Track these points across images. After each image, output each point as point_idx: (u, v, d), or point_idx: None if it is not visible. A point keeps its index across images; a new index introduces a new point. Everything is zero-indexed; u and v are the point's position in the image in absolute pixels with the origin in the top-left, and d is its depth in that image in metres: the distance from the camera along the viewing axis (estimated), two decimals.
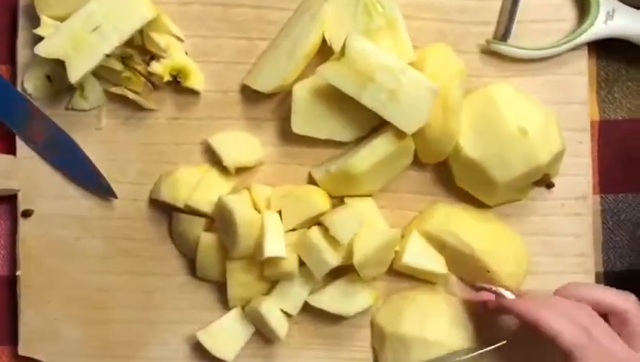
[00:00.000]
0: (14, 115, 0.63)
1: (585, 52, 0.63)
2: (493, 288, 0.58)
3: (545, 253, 0.63)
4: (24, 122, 0.63)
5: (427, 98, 0.57)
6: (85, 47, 0.59)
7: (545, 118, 0.59)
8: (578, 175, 0.63)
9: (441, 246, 0.61)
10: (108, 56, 0.59)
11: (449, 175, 0.62)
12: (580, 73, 0.63)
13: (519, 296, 0.58)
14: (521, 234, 0.63)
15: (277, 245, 0.59)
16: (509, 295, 0.57)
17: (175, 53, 0.62)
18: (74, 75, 0.59)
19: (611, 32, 0.61)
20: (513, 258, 0.61)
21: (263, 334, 0.63)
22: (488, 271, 0.60)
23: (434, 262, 0.61)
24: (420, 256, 0.61)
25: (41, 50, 0.59)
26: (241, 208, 0.59)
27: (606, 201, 0.64)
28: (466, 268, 0.61)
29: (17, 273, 0.64)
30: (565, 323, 0.53)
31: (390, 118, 0.57)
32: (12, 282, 0.65)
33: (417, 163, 0.62)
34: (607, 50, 0.64)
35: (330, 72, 0.57)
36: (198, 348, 0.63)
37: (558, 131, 0.60)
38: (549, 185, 0.62)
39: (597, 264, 0.64)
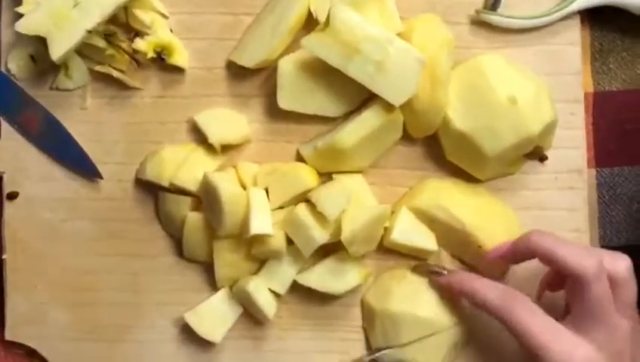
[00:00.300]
0: (5, 104, 0.63)
1: (577, 21, 0.61)
2: (431, 267, 0.60)
3: (538, 228, 0.61)
4: (16, 111, 0.63)
5: (415, 69, 0.55)
6: (67, 23, 0.58)
7: (536, 87, 0.57)
8: (572, 147, 0.61)
9: (431, 222, 0.60)
10: (90, 32, 0.58)
11: (439, 149, 0.61)
12: (572, 43, 0.61)
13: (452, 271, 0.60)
14: (514, 208, 0.61)
15: (263, 222, 0.57)
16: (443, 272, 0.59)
17: (159, 30, 0.61)
18: (56, 52, 0.58)
19: None
20: (505, 233, 0.59)
21: (251, 315, 0.62)
22: (480, 247, 0.58)
23: (424, 239, 0.60)
24: (409, 232, 0.59)
25: (22, 26, 0.58)
26: (226, 185, 0.58)
27: (602, 175, 0.63)
28: (458, 243, 0.60)
29: (3, 257, 0.63)
30: (492, 288, 0.55)
31: (377, 90, 0.56)
32: None
33: (407, 138, 0.61)
34: (601, 20, 0.62)
35: (314, 43, 0.56)
36: (186, 330, 0.62)
37: (549, 101, 0.58)
38: (542, 158, 0.60)
39: (593, 240, 0.63)
